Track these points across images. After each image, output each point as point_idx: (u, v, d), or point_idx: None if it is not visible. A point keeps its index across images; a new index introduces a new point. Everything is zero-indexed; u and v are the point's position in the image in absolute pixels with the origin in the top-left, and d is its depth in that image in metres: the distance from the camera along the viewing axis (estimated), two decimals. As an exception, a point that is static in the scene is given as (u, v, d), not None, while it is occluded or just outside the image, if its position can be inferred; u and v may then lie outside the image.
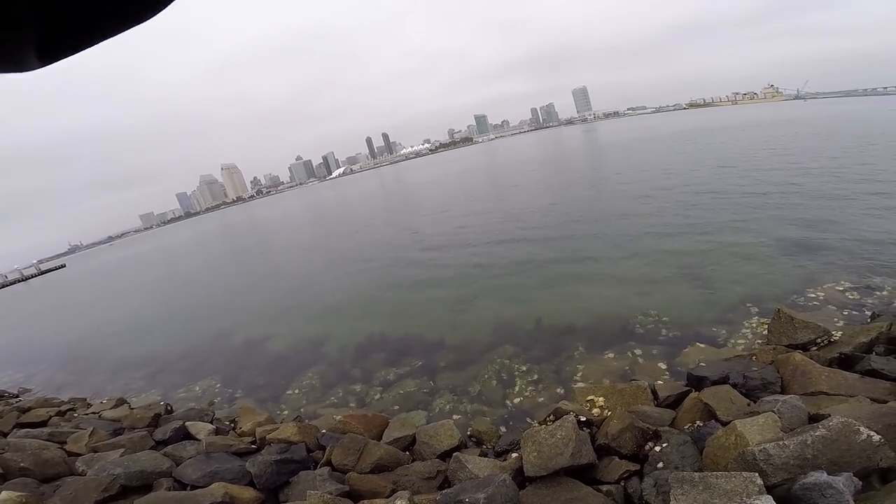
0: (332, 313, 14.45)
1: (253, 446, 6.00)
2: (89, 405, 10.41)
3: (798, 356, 5.11)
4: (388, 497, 4.33)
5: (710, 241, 13.23)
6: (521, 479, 4.35)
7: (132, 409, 9.32)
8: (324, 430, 6.15)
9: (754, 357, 6.16)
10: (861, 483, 2.59)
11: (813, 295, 8.62)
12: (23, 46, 0.49)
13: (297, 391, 9.52)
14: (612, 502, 3.70)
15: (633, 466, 4.12)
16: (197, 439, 6.59)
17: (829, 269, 9.66)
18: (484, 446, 5.92)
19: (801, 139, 33.98)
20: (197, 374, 11.87)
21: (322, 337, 12.42)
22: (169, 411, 8.84)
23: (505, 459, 5.07)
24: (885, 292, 8.15)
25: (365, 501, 4.33)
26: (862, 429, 2.92)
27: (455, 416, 7.16)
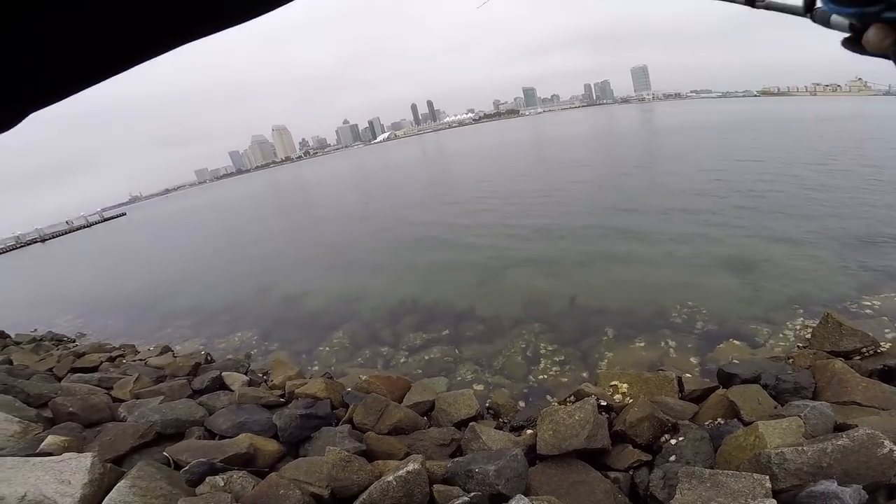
0: (369, 275, 14.90)
1: (281, 399, 6.40)
2: (137, 352, 11.30)
3: (839, 364, 4.86)
4: (401, 459, 4.56)
5: (763, 236, 12.42)
6: (533, 455, 4.47)
7: (175, 357, 10.06)
8: (349, 389, 6.50)
9: (791, 360, 5.91)
10: (867, 497, 2.52)
11: (868, 303, 8.00)
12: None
13: (327, 348, 10.01)
14: (618, 490, 3.76)
15: (645, 457, 4.15)
16: (231, 390, 7.03)
17: (890, 279, 8.89)
18: (501, 419, 6.08)
19: (880, 136, 30.46)
20: (237, 325, 12.65)
21: (357, 296, 12.88)
22: (209, 361, 9.50)
23: (520, 435, 5.21)
24: None
25: (379, 461, 4.59)
26: (886, 442, 2.81)
27: (476, 387, 7.35)
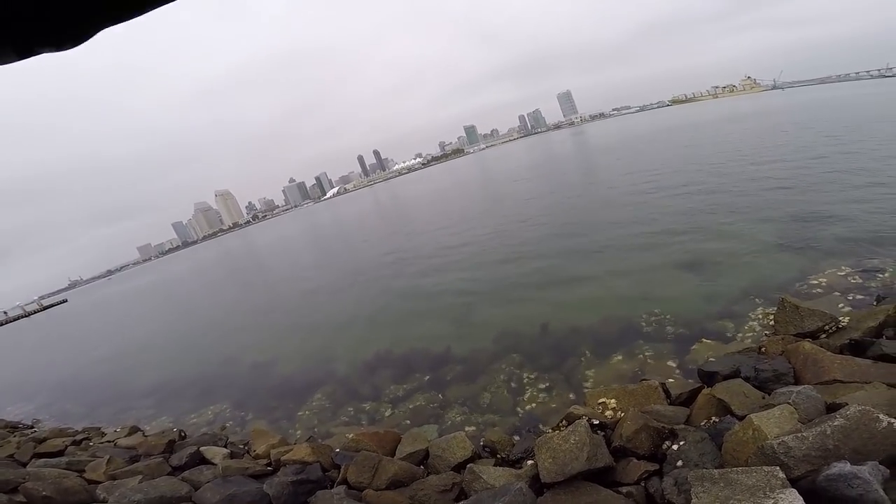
0: (337, 332, 14.42)
1: (269, 468, 6.01)
2: (103, 434, 10.47)
3: (808, 345, 5.08)
4: (405, 514, 4.25)
5: (706, 237, 13.24)
6: (539, 486, 4.30)
7: (146, 436, 9.39)
8: (337, 449, 6.13)
9: (763, 349, 6.13)
10: (888, 471, 2.55)
11: (815, 282, 8.61)
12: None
13: (307, 412, 9.46)
14: (633, 503, 3.63)
15: (652, 466, 4.08)
16: (213, 463, 6.63)
17: (828, 255, 9.66)
18: (498, 456, 5.85)
19: (781, 130, 34.32)
20: (207, 399, 11.83)
21: (328, 357, 12.38)
22: (183, 437, 8.89)
23: (520, 467, 5.02)
24: (886, 274, 8.15)
25: (382, 519, 4.25)
26: (882, 416, 2.89)
27: (467, 428, 7.09)
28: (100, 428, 11.16)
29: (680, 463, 3.87)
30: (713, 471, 3.25)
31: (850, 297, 7.66)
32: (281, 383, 11.59)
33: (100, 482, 6.36)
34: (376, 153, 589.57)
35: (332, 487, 5.26)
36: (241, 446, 7.92)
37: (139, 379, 15.60)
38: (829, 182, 15.54)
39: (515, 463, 5.35)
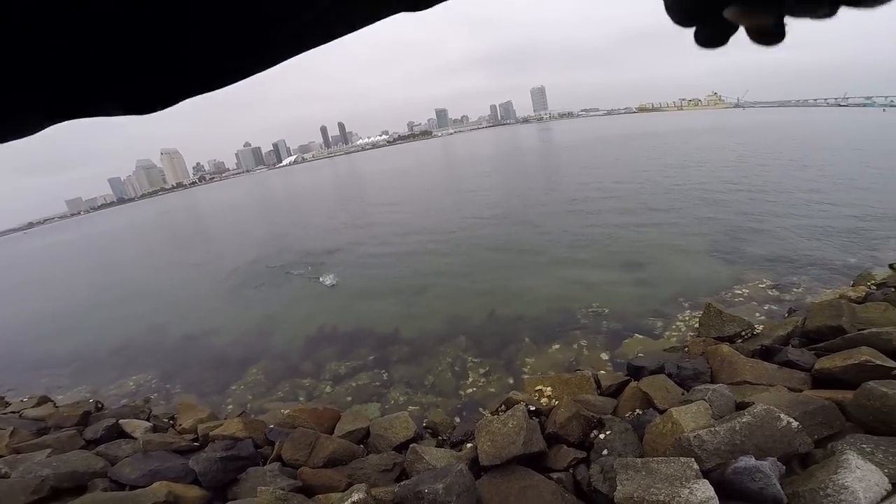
0: (280, 306, 13.88)
1: (195, 444, 5.69)
2: (7, 404, 9.45)
3: (725, 348, 5.60)
4: (343, 491, 4.27)
5: (649, 240, 14.18)
6: (477, 468, 4.45)
7: (57, 407, 8.54)
8: (272, 426, 5.94)
9: (687, 349, 6.69)
10: (784, 467, 2.91)
11: (739, 291, 9.53)
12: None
13: (241, 386, 9.11)
14: (563, 489, 3.88)
15: (581, 454, 4.34)
16: (133, 437, 6.16)
17: (753, 268, 10.73)
18: (440, 437, 5.99)
19: (733, 149, 37.00)
20: (130, 369, 11.00)
21: (268, 330, 11.92)
22: (100, 409, 8.18)
23: (461, 450, 5.16)
24: (800, 289, 9.20)
25: (320, 496, 4.25)
26: (782, 416, 3.26)
27: (410, 408, 7.19)
28: (3, 397, 10.12)
29: (606, 452, 4.16)
30: (636, 460, 3.53)
31: (766, 308, 8.56)
32: (214, 356, 11.01)
33: (1, 455, 5.79)
34: (341, 125, 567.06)
35: (264, 465, 5.11)
36: (166, 420, 7.44)
37: (53, 345, 14.21)
38: (765, 202, 17.10)
39: (456, 445, 5.49)
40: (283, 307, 13.69)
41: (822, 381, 4.30)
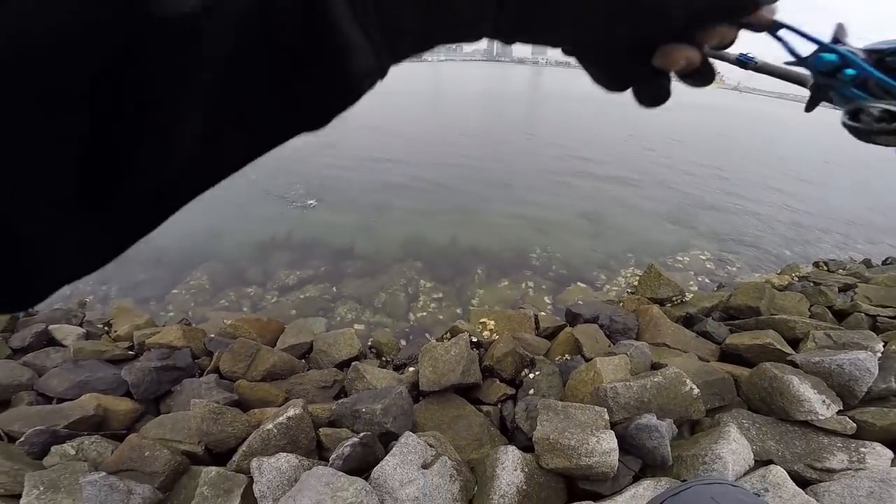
0: (232, 209, 13.14)
1: (130, 352, 5.50)
2: None
3: (656, 309, 6.07)
4: (280, 406, 4.43)
5: (612, 196, 14.60)
6: (417, 392, 4.74)
7: None
8: (212, 335, 5.86)
9: (622, 303, 7.18)
10: (677, 430, 3.35)
11: (681, 258, 10.20)
12: None
13: (183, 291, 8.77)
14: (490, 423, 4.26)
15: (510, 391, 4.72)
16: (63, 345, 5.81)
17: (700, 239, 11.46)
18: (383, 358, 6.25)
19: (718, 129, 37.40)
20: (62, 266, 10.34)
21: (217, 232, 11.30)
22: (29, 314, 7.57)
23: (403, 372, 5.42)
24: (734, 268, 10.01)
25: (255, 410, 4.37)
26: (688, 381, 3.67)
27: (357, 326, 7.35)
28: None
29: (532, 391, 4.55)
30: (557, 402, 3.89)
31: (700, 279, 9.28)
32: (156, 255, 10.05)
33: None
34: None
35: (201, 376, 5.09)
36: (101, 326, 6.97)
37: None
38: (730, 183, 17.98)
39: (399, 367, 5.76)
40: (236, 209, 13.04)
41: (728, 355, 4.84)
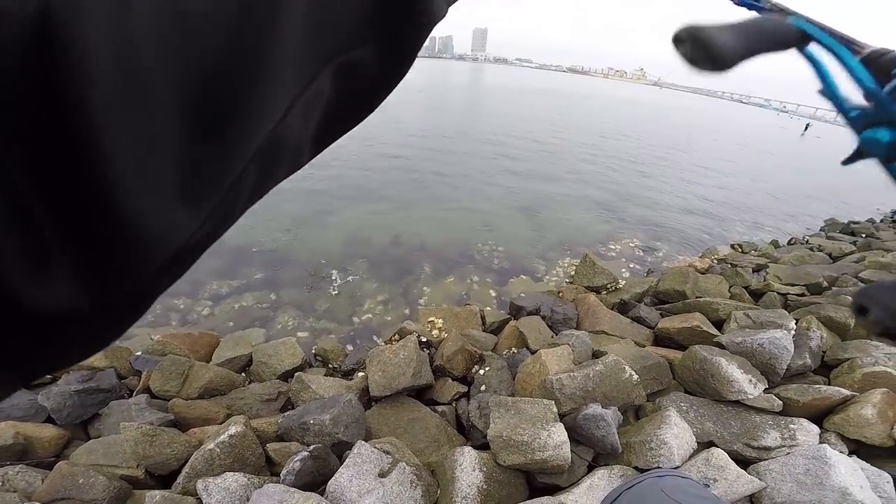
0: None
1: (46, 377, 4.96)
2: None
3: (592, 297, 6.41)
4: (221, 423, 4.17)
5: (548, 190, 15.18)
6: (367, 398, 4.64)
7: None
8: (138, 353, 5.35)
9: (561, 294, 7.49)
10: (622, 417, 3.56)
11: (613, 247, 10.85)
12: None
13: (100, 306, 7.94)
14: (446, 422, 4.27)
15: (463, 389, 4.77)
16: None
17: (629, 228, 12.26)
18: (330, 366, 6.03)
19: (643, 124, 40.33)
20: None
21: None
22: None
23: (351, 379, 5.27)
24: (661, 254, 10.81)
25: (195, 429, 4.08)
26: (627, 368, 3.90)
27: (300, 334, 7.03)
28: None
29: (483, 388, 4.62)
30: (508, 398, 3.97)
31: (632, 266, 9.93)
32: None
33: None
34: None
35: (129, 397, 4.68)
36: None
37: None
38: (654, 174, 19.55)
39: (347, 374, 5.60)
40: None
41: (661, 339, 5.23)
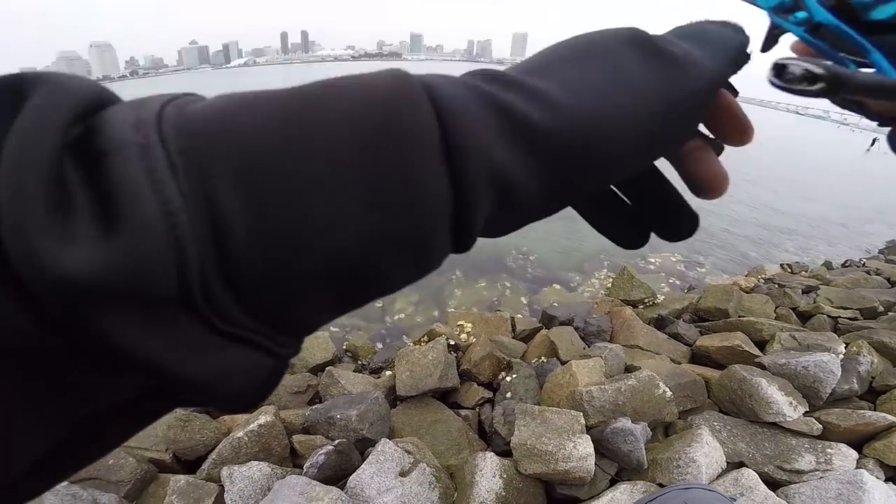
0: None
1: None
2: None
3: (629, 311, 6.21)
4: (251, 413, 4.31)
5: None
6: (393, 397, 4.67)
7: None
8: None
9: (596, 305, 7.32)
10: (651, 433, 3.43)
11: (653, 260, 10.46)
12: None
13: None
14: (468, 427, 4.26)
15: (487, 394, 4.73)
16: None
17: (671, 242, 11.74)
18: (359, 362, 6.14)
19: None
20: None
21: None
22: None
23: (379, 376, 5.35)
24: (703, 269, 10.34)
25: (225, 417, 4.23)
26: (661, 384, 3.75)
27: (332, 329, 7.20)
28: None
29: (509, 395, 4.57)
30: (534, 407, 3.92)
31: (672, 281, 9.55)
32: None
33: None
34: (304, 33, 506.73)
35: None
36: None
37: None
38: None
39: (375, 371, 5.68)
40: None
41: (699, 357, 5.00)
